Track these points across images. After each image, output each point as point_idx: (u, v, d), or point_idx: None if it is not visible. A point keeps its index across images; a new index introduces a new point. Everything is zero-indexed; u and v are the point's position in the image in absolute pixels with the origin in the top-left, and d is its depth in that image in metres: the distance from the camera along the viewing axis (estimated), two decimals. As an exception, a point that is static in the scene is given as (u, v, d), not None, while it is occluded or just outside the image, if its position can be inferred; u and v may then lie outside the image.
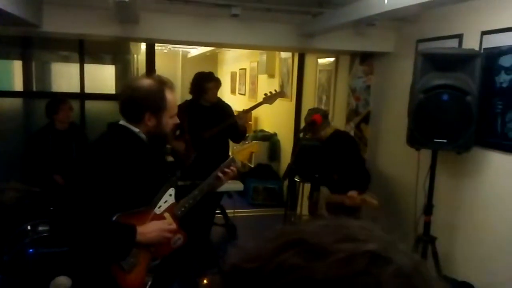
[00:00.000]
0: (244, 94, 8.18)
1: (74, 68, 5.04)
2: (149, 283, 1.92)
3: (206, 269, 3.50)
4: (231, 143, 4.20)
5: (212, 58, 10.03)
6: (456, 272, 2.98)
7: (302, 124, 3.95)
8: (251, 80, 7.74)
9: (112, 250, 1.79)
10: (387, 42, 3.80)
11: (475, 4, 2.74)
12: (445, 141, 2.70)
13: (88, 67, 5.09)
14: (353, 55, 4.44)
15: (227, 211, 4.89)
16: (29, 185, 3.71)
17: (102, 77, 5.63)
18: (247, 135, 6.80)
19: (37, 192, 3.64)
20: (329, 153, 3.42)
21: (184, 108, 3.86)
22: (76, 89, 5.01)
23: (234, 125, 3.86)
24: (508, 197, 2.65)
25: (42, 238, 3.12)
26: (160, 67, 5.80)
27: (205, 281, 3.16)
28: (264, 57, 6.73)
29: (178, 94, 6.26)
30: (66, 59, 5.46)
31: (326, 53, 4.92)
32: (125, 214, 1.81)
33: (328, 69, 5.04)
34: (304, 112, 5.68)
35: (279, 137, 6.68)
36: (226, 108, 4.14)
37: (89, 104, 5.10)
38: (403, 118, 3.04)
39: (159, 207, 1.94)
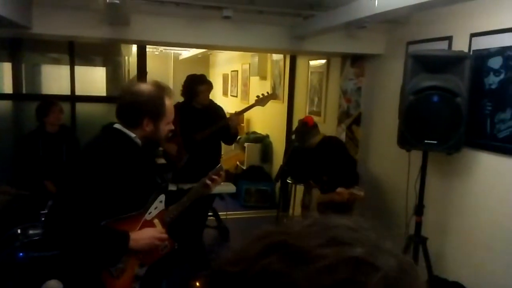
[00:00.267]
0: (236, 96, 8.18)
1: (65, 70, 5.00)
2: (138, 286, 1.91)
3: (198, 271, 3.49)
4: (223, 145, 4.21)
5: (204, 60, 10.01)
6: (447, 272, 3.01)
7: (294, 126, 3.97)
8: (243, 82, 7.74)
9: (104, 256, 1.78)
10: (378, 44, 3.83)
11: (464, 6, 2.77)
12: (435, 142, 2.73)
13: (78, 69, 5.06)
14: (344, 57, 4.46)
15: (219, 213, 4.88)
16: (19, 188, 3.68)
17: (93, 79, 5.60)
18: (239, 137, 6.82)
19: (27, 195, 3.61)
20: (319, 158, 3.46)
21: (176, 110, 3.82)
22: (66, 91, 4.98)
23: (226, 127, 3.87)
24: (497, 197, 2.68)
25: (32, 242, 3.08)
26: (152, 69, 5.78)
27: (197, 284, 3.15)
28: (256, 59, 6.74)
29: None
30: (56, 61, 5.42)
31: (317, 55, 4.94)
32: (116, 219, 1.80)
33: (320, 71, 5.06)
34: (296, 114, 5.71)
35: (271, 139, 6.69)
36: (218, 110, 4.14)
37: (80, 107, 5.06)
38: (394, 119, 3.06)
39: (149, 213, 1.93)
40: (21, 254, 3.06)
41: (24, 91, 5.30)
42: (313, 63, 5.23)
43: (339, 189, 3.13)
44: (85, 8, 3.12)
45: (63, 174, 1.84)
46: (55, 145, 3.88)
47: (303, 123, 3.39)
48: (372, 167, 4.07)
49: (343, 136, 4.48)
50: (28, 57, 5.38)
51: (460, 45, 2.91)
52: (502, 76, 2.62)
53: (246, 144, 6.68)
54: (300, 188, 3.99)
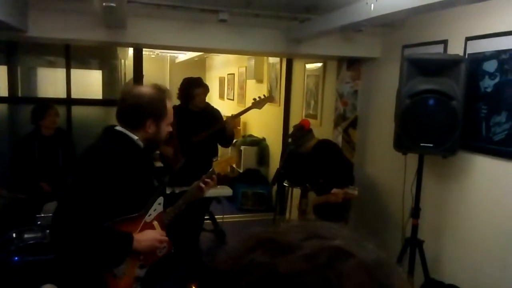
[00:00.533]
0: (233, 99, 8.19)
1: (61, 73, 4.99)
2: (139, 286, 1.93)
3: (195, 275, 3.48)
4: (220, 148, 4.20)
5: (200, 63, 10.02)
6: (444, 275, 3.01)
7: (291, 129, 3.97)
8: (240, 85, 7.75)
9: (109, 256, 1.81)
10: (374, 48, 3.85)
11: (459, 10, 2.79)
12: (431, 145, 2.74)
13: (74, 72, 5.04)
14: (340, 60, 4.48)
15: (216, 216, 4.87)
16: (15, 191, 3.66)
17: (89, 83, 5.58)
18: (235, 140, 6.82)
19: (23, 199, 3.59)
20: (315, 162, 3.46)
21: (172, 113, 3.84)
22: (62, 94, 4.96)
23: (222, 130, 3.87)
24: (493, 200, 2.69)
25: (27, 246, 3.06)
26: (148, 72, 5.77)
27: (193, 287, 3.15)
28: (252, 62, 6.75)
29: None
30: (52, 64, 5.40)
31: (313, 58, 4.95)
32: (118, 221, 1.81)
33: (316, 74, 5.07)
34: (292, 117, 5.71)
35: (268, 142, 6.69)
36: (214, 113, 4.14)
37: (76, 110, 5.05)
38: (390, 122, 3.07)
39: (149, 215, 1.95)
40: (16, 258, 3.04)
41: (20, 94, 5.28)
42: (309, 66, 5.25)
43: (334, 190, 3.14)
44: (81, 11, 3.12)
45: (72, 175, 1.83)
46: (51, 148, 3.87)
47: (300, 126, 3.40)
48: (369, 170, 4.07)
49: (339, 139, 4.49)
50: (24, 60, 5.36)
51: (456, 48, 2.93)
52: (497, 79, 2.63)
53: (242, 147, 6.68)
54: (296, 191, 3.99)
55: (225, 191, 4.14)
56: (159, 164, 4.00)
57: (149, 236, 1.89)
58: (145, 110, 1.85)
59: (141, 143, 1.89)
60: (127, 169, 1.80)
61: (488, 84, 2.70)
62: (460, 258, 2.95)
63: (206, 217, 4.55)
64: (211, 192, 3.97)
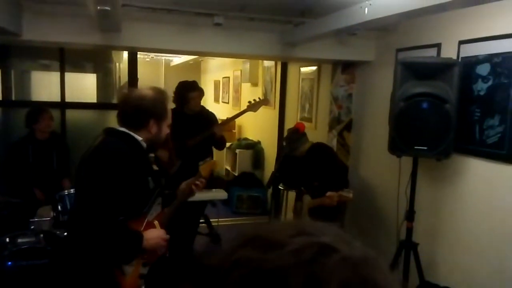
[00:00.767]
0: (228, 103, 8.19)
1: (55, 76, 4.97)
2: (143, 287, 2.01)
3: (188, 276, 3.46)
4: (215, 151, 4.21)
5: (195, 67, 10.01)
6: (439, 278, 3.02)
7: (286, 133, 3.98)
8: (235, 89, 7.75)
9: (123, 254, 1.90)
10: (368, 51, 3.87)
11: (452, 14, 2.81)
12: (425, 148, 2.75)
13: (69, 76, 5.03)
14: (335, 64, 4.49)
15: (211, 220, 4.85)
16: (8, 196, 3.63)
17: (83, 86, 5.56)
18: (231, 143, 6.82)
19: (17, 203, 3.56)
20: (310, 165, 3.47)
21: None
22: (56, 98, 4.94)
23: (212, 135, 3.89)
24: (487, 203, 2.70)
25: (21, 251, 3.04)
26: (143, 76, 5.77)
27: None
28: (247, 65, 6.76)
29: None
30: (46, 68, 5.37)
31: (308, 62, 4.96)
32: (126, 219, 1.89)
33: (311, 78, 5.09)
34: (287, 120, 5.72)
35: (263, 145, 6.69)
36: (209, 116, 4.14)
37: (70, 113, 5.03)
38: (384, 125, 3.09)
39: (151, 214, 2.04)
40: (9, 263, 3.01)
41: (13, 98, 5.25)
42: (304, 69, 5.26)
43: (328, 193, 3.14)
44: (75, 14, 3.11)
45: (83, 174, 1.88)
46: (45, 152, 3.85)
47: (294, 129, 3.41)
48: (363, 173, 4.09)
49: (334, 143, 4.51)
50: (18, 64, 5.33)
51: (449, 52, 2.95)
52: (490, 82, 2.65)
53: (237, 151, 6.67)
54: (292, 194, 3.99)
55: (220, 194, 4.13)
56: (154, 167, 4.00)
57: (155, 234, 1.96)
58: (148, 110, 1.93)
59: (144, 144, 1.97)
60: (133, 168, 1.87)
61: (481, 87, 2.72)
62: (455, 260, 2.96)
63: (201, 220, 4.54)
64: (206, 196, 4.01)
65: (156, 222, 2.05)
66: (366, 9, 2.45)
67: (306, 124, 4.06)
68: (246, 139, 7.14)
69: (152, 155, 3.91)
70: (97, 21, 2.92)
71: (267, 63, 6.27)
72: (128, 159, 1.85)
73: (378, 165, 3.81)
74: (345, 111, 4.37)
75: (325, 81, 4.79)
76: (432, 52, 3.09)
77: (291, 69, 5.70)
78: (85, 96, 5.40)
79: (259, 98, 4.11)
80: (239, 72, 7.33)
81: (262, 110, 4.24)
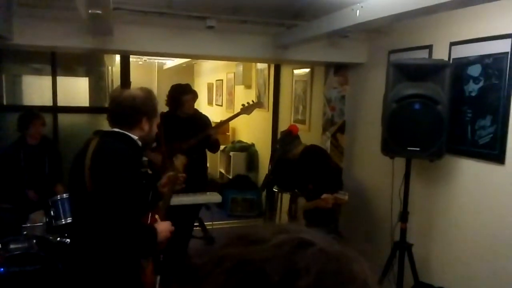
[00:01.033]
0: (221, 105, 8.18)
1: (47, 80, 4.94)
2: (158, 278, 2.16)
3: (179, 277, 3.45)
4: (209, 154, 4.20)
5: (189, 70, 10.00)
6: (433, 278, 3.03)
7: (280, 135, 3.98)
8: (228, 91, 7.75)
9: (145, 249, 2.04)
10: (360, 53, 3.88)
11: (443, 16, 2.83)
12: (418, 149, 2.77)
13: (61, 80, 5.00)
14: (328, 66, 4.51)
15: (205, 223, 4.84)
16: (0, 201, 3.60)
17: (75, 90, 5.53)
18: (225, 146, 6.81)
19: (8, 208, 3.53)
20: (304, 167, 3.47)
21: (160, 120, 3.82)
22: (48, 102, 4.91)
23: (207, 138, 3.89)
24: (479, 203, 2.72)
25: (13, 257, 3.01)
26: (136, 79, 5.74)
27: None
28: (241, 68, 6.76)
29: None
30: (38, 72, 5.34)
31: (301, 64, 4.98)
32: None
33: (304, 80, 5.10)
34: (281, 123, 5.73)
35: (257, 147, 6.69)
36: (203, 119, 4.14)
37: (62, 118, 4.99)
38: (377, 127, 3.10)
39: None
40: (1, 269, 2.98)
41: (4, 103, 5.21)
42: (297, 71, 5.27)
43: (324, 195, 3.15)
44: (67, 18, 3.09)
45: (92, 177, 1.94)
46: (37, 157, 3.82)
47: (287, 132, 3.41)
48: (357, 174, 4.09)
49: (328, 144, 4.51)
50: (9, 68, 5.29)
51: (440, 53, 2.97)
52: (481, 83, 2.67)
53: (231, 153, 6.67)
54: (286, 197, 4.00)
55: (214, 197, 4.12)
56: (148, 171, 3.98)
57: (164, 227, 2.08)
58: (141, 109, 2.01)
59: (139, 142, 2.06)
60: (136, 165, 2.02)
61: (472, 88, 2.74)
62: (449, 261, 2.98)
63: (195, 223, 4.53)
64: (200, 199, 3.99)
65: (157, 216, 2.18)
66: (358, 11, 2.46)
67: (299, 126, 4.07)
68: (240, 141, 7.14)
69: (145, 158, 3.90)
70: (88, 24, 2.91)
71: (260, 65, 6.28)
72: (131, 158, 1.96)
73: (371, 166, 3.82)
74: (338, 112, 4.38)
75: (318, 83, 4.80)
76: (424, 53, 3.11)
77: (284, 71, 5.71)
78: (77, 100, 5.37)
79: (252, 101, 4.11)
80: (233, 74, 7.33)
81: (255, 112, 4.24)
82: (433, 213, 3.11)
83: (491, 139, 2.61)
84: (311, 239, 0.49)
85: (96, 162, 1.92)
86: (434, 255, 3.11)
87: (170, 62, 9.00)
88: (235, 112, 4.18)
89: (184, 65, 8.99)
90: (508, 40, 2.48)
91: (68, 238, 3.17)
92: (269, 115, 5.96)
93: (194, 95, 4.04)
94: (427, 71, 2.76)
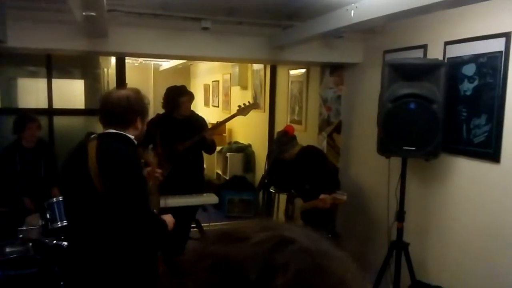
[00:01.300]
0: (218, 106, 8.18)
1: (42, 83, 4.92)
2: None
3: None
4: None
5: (185, 71, 9.99)
6: (430, 277, 3.04)
7: (276, 135, 3.98)
8: (224, 92, 7.74)
9: (161, 241, 2.20)
10: (356, 53, 3.89)
11: (438, 16, 2.84)
12: (413, 148, 2.77)
13: (56, 82, 4.98)
14: (324, 66, 4.51)
15: (202, 224, 4.83)
16: (-4, 204, 3.58)
17: (71, 92, 5.52)
18: (221, 147, 6.81)
19: (4, 212, 3.51)
20: (300, 168, 3.47)
21: (156, 122, 3.83)
22: (44, 104, 4.89)
23: (203, 139, 3.88)
24: (475, 201, 2.73)
25: (9, 260, 2.99)
26: (132, 81, 5.73)
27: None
28: (237, 69, 6.76)
29: (151, 108, 6.20)
30: (33, 75, 5.32)
31: (297, 64, 4.98)
32: None
33: (300, 80, 5.10)
34: (277, 123, 5.73)
35: (254, 148, 6.69)
36: (199, 121, 4.13)
37: (58, 120, 4.98)
38: (373, 127, 3.10)
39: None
40: (-3, 273, 2.96)
41: (0, 106, 5.19)
42: (293, 72, 5.28)
43: (322, 196, 3.15)
44: (61, 20, 3.08)
45: (102, 181, 1.97)
46: (33, 159, 3.80)
47: (284, 132, 3.41)
48: (354, 174, 4.10)
49: (324, 144, 4.51)
50: (4, 71, 5.27)
51: (435, 53, 2.98)
52: (476, 82, 2.68)
53: (228, 154, 6.66)
54: (283, 197, 3.99)
55: (211, 198, 4.11)
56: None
57: (169, 219, 2.19)
58: (136, 109, 2.06)
59: (135, 141, 2.10)
60: (140, 164, 2.14)
61: (467, 87, 2.75)
62: (445, 260, 2.98)
63: (192, 225, 4.52)
64: (197, 201, 3.99)
65: (155, 210, 2.29)
66: (352, 11, 2.47)
67: (296, 126, 4.07)
68: (236, 142, 7.13)
69: (142, 160, 3.89)
70: (83, 27, 2.90)
71: (256, 66, 6.28)
72: (136, 157, 2.06)
73: (367, 166, 3.83)
74: (335, 113, 4.39)
75: (314, 84, 4.81)
76: (419, 53, 3.12)
77: (280, 72, 5.72)
78: (73, 103, 5.36)
79: (249, 102, 4.11)
80: (229, 75, 7.33)
81: (252, 113, 4.24)
82: (429, 212, 3.12)
83: (486, 137, 2.62)
84: (292, 237, 0.49)
85: (105, 164, 1.93)
86: (430, 254, 3.11)
87: (166, 64, 8.99)
88: (232, 113, 4.17)
89: (180, 67, 8.99)
90: (502, 39, 2.49)
91: (65, 241, 3.16)
92: (265, 115, 5.96)
93: (191, 97, 4.03)
94: (422, 71, 2.77)
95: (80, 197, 2.04)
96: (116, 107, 2.03)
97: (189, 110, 4.02)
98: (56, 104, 4.93)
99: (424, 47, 3.09)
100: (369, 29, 3.46)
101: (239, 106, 4.05)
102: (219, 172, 7.20)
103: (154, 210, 2.29)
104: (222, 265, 0.46)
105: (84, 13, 2.35)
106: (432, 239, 3.10)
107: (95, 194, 1.93)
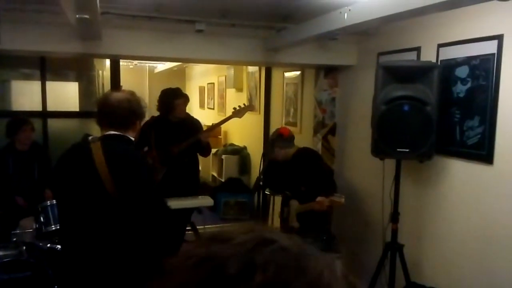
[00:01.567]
0: (213, 108, 8.17)
1: (36, 85, 4.89)
2: None
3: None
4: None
5: (180, 73, 9.97)
6: (425, 278, 3.05)
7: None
8: (220, 94, 7.74)
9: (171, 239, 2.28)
10: (350, 56, 3.90)
11: (431, 18, 2.86)
12: (407, 150, 2.78)
13: (50, 85, 4.95)
14: (318, 68, 4.52)
15: (197, 227, 4.82)
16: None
17: (65, 95, 5.49)
18: (217, 149, 6.80)
19: (-3, 215, 3.49)
20: (295, 170, 3.47)
21: (151, 124, 3.82)
22: (38, 107, 4.86)
23: (198, 142, 3.88)
24: (468, 203, 2.74)
25: (3, 264, 2.97)
26: (127, 83, 5.71)
27: None
28: (232, 71, 6.76)
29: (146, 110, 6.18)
30: (27, 77, 5.29)
31: (291, 66, 4.99)
32: None
33: (295, 82, 5.11)
34: (272, 125, 5.73)
35: (249, 150, 6.69)
36: (194, 123, 4.13)
37: (52, 123, 4.95)
38: (367, 129, 3.11)
39: None
40: (-10, 277, 2.94)
41: (-7, 108, 5.16)
42: (288, 74, 5.28)
43: (319, 198, 3.14)
44: (55, 23, 3.07)
45: (115, 182, 1.96)
46: (26, 162, 3.78)
47: (279, 134, 3.42)
48: (348, 176, 4.11)
49: (319, 146, 4.52)
50: (-3, 73, 5.25)
51: (428, 55, 2.99)
52: (469, 84, 2.70)
53: (223, 156, 6.66)
54: (279, 199, 3.99)
55: (206, 201, 4.10)
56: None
57: None
58: (137, 111, 2.09)
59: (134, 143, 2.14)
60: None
61: (460, 89, 2.76)
62: (440, 261, 2.99)
63: (187, 227, 4.51)
64: (192, 203, 3.98)
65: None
66: (346, 14, 2.48)
67: (291, 128, 4.07)
68: (232, 144, 7.13)
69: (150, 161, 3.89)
70: (77, 29, 2.90)
71: (251, 68, 6.28)
72: (143, 157, 2.17)
73: (362, 168, 3.84)
74: (329, 115, 4.40)
75: (308, 86, 4.82)
76: (412, 55, 3.13)
77: (275, 74, 5.72)
78: (67, 105, 5.33)
79: (244, 104, 4.12)
80: (224, 78, 7.32)
81: (247, 115, 4.24)
82: (423, 214, 3.13)
83: (479, 139, 2.63)
84: (273, 238, 0.51)
85: (117, 167, 1.92)
86: (425, 255, 3.12)
87: (161, 66, 8.98)
88: (227, 115, 4.18)
89: (175, 69, 8.98)
90: (495, 42, 2.51)
91: (59, 244, 3.14)
92: (260, 118, 5.97)
93: (186, 99, 4.03)
94: (416, 73, 2.78)
95: (86, 199, 1.98)
96: (117, 109, 2.04)
97: (184, 112, 4.02)
98: (50, 107, 4.91)
99: (418, 49, 3.11)
100: (363, 32, 3.47)
101: (234, 108, 4.06)
102: (215, 174, 7.20)
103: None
104: (205, 263, 0.48)
105: (77, 16, 2.34)
106: (426, 241, 3.11)
107: (106, 196, 1.90)
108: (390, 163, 3.05)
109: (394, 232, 2.98)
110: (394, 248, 2.97)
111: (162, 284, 0.50)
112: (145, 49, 3.44)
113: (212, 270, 0.48)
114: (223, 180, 6.55)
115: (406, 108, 2.75)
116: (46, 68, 4.86)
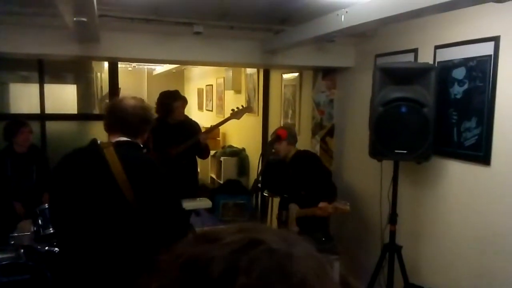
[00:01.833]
0: (212, 110, 8.18)
1: (34, 88, 4.90)
2: None
3: None
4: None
5: (178, 75, 9.99)
6: (423, 280, 3.05)
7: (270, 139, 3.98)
8: (218, 96, 7.75)
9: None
10: (348, 57, 3.91)
11: (428, 20, 2.87)
12: (405, 151, 2.79)
13: (48, 87, 4.96)
14: (316, 70, 4.53)
15: (196, 229, 4.82)
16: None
17: (64, 97, 5.49)
18: (215, 151, 6.80)
19: (-5, 218, 3.49)
20: (294, 172, 3.47)
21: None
22: (36, 110, 4.87)
23: (197, 143, 3.88)
24: (466, 204, 2.75)
25: (1, 267, 2.97)
26: (125, 85, 5.74)
27: None
28: (230, 73, 6.77)
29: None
30: (25, 80, 5.29)
31: (289, 68, 5.00)
32: None
33: (293, 84, 5.12)
34: (271, 127, 5.74)
35: (248, 152, 6.69)
36: (193, 125, 4.13)
37: (50, 125, 4.95)
38: (365, 130, 3.12)
39: None
40: (-12, 280, 2.94)
41: (-9, 111, 5.16)
42: (286, 76, 5.30)
43: (321, 204, 3.12)
44: (53, 25, 3.07)
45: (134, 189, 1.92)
46: (25, 165, 3.78)
47: (277, 136, 3.42)
48: (347, 177, 4.11)
49: (317, 148, 4.53)
50: (-5, 76, 5.25)
51: (426, 57, 3.00)
52: (466, 86, 2.71)
53: (222, 158, 6.66)
54: (277, 201, 3.99)
55: (204, 203, 4.10)
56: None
57: None
58: (150, 120, 2.10)
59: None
60: None
61: (457, 91, 2.77)
62: (438, 262, 3.00)
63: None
64: (190, 205, 3.98)
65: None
66: (343, 16, 2.49)
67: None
68: (230, 146, 7.14)
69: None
70: (74, 32, 2.90)
71: (250, 70, 6.29)
72: (158, 164, 2.07)
73: (360, 169, 3.85)
74: (327, 116, 4.41)
75: (307, 87, 4.83)
76: (410, 57, 3.14)
77: (274, 76, 5.73)
78: (66, 108, 5.33)
79: (242, 106, 4.12)
80: (222, 79, 7.34)
81: (245, 117, 4.25)
82: (421, 215, 3.13)
83: (476, 140, 2.64)
84: (262, 238, 0.51)
85: (137, 174, 1.88)
86: (423, 256, 3.13)
87: (160, 68, 8.99)
88: (225, 117, 4.18)
89: (174, 71, 8.99)
90: (491, 43, 2.52)
91: (57, 247, 3.14)
92: (259, 119, 5.98)
93: (184, 101, 4.04)
94: (413, 75, 2.79)
95: (100, 205, 1.92)
96: (131, 116, 2.01)
97: (183, 115, 4.02)
98: (49, 109, 4.91)
99: (415, 51, 3.12)
100: (361, 33, 3.48)
101: (233, 110, 4.06)
102: (213, 176, 7.20)
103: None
104: (191, 264, 0.48)
105: (75, 19, 2.35)
106: (424, 242, 3.12)
107: (123, 202, 1.86)
108: (388, 165, 3.05)
109: (392, 234, 2.98)
110: (392, 250, 2.97)
111: (149, 283, 0.50)
112: (143, 51, 3.45)
113: (196, 272, 0.47)
114: (221, 182, 6.55)
115: (403, 109, 2.76)
116: (44, 70, 4.87)
